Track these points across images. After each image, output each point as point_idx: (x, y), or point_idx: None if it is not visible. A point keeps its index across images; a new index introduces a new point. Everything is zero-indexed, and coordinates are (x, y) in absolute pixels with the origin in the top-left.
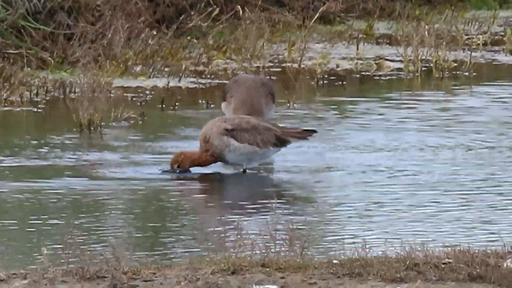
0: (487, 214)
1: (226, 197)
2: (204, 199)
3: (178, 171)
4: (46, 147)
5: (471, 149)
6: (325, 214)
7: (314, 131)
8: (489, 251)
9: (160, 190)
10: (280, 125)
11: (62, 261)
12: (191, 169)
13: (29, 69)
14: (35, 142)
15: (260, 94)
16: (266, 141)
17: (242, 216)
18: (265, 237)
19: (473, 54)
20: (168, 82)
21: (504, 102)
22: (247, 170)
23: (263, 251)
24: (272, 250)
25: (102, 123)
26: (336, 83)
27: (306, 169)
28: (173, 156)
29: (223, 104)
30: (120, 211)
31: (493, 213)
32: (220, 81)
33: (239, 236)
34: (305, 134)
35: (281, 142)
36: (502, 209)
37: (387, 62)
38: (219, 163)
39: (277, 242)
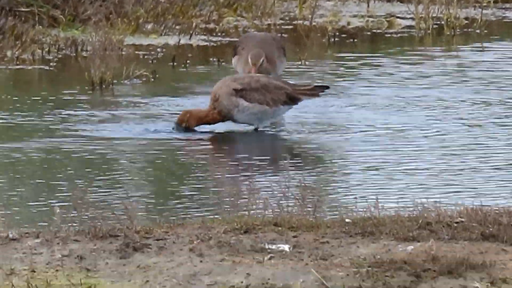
0: (501, 172)
1: (238, 155)
2: (216, 158)
3: (182, 130)
4: (58, 105)
5: (483, 106)
6: (338, 172)
7: (326, 87)
8: (501, 210)
9: (172, 148)
10: (291, 82)
11: (75, 220)
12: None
13: (40, 27)
14: (47, 100)
15: (272, 46)
16: (276, 100)
17: (254, 175)
18: (277, 196)
19: (484, 11)
20: (179, 40)
21: None
22: (259, 129)
23: (276, 210)
24: (284, 209)
25: (114, 81)
26: (347, 41)
27: (319, 127)
28: (179, 115)
29: (234, 59)
30: (132, 169)
31: (506, 171)
32: (231, 39)
33: (251, 195)
34: (317, 91)
35: (292, 100)
36: None
37: (398, 19)
38: (230, 122)
39: (290, 201)
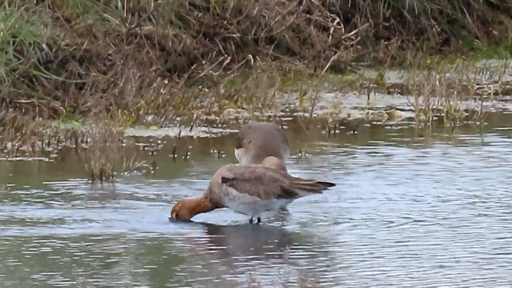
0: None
1: (236, 246)
2: (213, 249)
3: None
4: (57, 197)
5: (486, 201)
6: (336, 264)
7: (331, 184)
8: None
9: (170, 240)
10: (295, 176)
11: None
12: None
13: (40, 118)
14: (47, 192)
15: (278, 138)
16: (269, 193)
17: (253, 267)
18: (277, 287)
19: (484, 103)
20: (180, 132)
21: None
22: (257, 221)
23: None
24: None
25: (114, 173)
26: (348, 133)
27: (318, 219)
28: (173, 205)
29: (238, 151)
30: (130, 262)
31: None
32: (232, 130)
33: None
34: (319, 187)
35: (287, 194)
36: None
37: (398, 111)
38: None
39: None
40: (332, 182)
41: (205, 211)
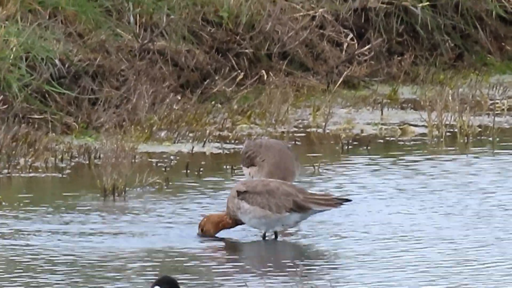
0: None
1: (251, 262)
2: (227, 265)
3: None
4: (70, 213)
5: (496, 215)
6: (350, 280)
7: (348, 200)
8: None
9: (184, 255)
10: (311, 191)
11: None
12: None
13: (53, 134)
14: (59, 208)
15: (291, 156)
16: (280, 206)
17: (268, 282)
18: None
19: (498, 119)
20: (193, 147)
21: None
22: (274, 236)
23: None
24: None
25: (127, 189)
26: (361, 148)
27: (331, 235)
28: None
29: (251, 169)
30: (142, 276)
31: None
32: None
33: None
34: (335, 202)
35: (300, 208)
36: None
37: (412, 127)
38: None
39: None
40: (348, 198)
41: (227, 228)
